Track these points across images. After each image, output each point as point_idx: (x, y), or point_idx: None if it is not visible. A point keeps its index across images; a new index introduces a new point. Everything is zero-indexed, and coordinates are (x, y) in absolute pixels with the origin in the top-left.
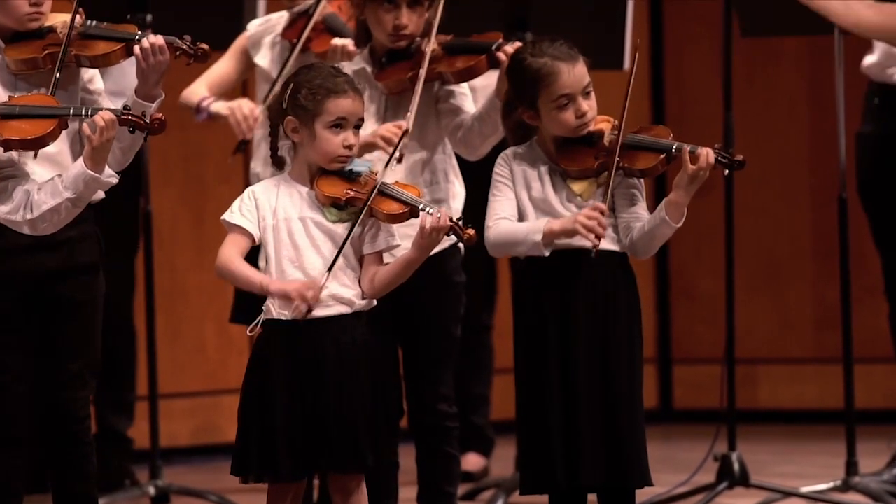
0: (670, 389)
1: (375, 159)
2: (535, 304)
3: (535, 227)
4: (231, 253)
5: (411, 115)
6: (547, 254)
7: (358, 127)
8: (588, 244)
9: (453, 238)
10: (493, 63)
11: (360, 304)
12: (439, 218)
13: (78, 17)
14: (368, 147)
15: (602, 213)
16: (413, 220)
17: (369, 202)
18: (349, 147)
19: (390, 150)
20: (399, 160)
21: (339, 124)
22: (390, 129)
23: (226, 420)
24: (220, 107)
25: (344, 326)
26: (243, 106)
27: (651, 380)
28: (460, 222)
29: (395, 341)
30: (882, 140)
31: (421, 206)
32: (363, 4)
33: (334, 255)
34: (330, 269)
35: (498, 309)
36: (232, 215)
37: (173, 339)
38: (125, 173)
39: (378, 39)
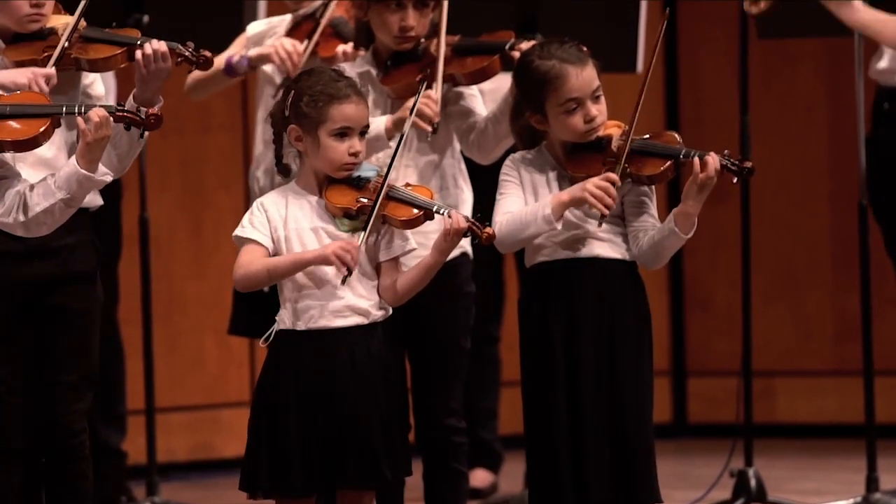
0: (685, 403)
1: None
2: (540, 314)
3: (541, 203)
4: (250, 259)
5: (438, 85)
6: (559, 227)
7: (363, 133)
8: (595, 214)
9: (466, 243)
10: (507, 63)
11: (377, 314)
12: (457, 219)
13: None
14: (398, 125)
15: (613, 182)
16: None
17: (378, 206)
18: (355, 154)
19: (428, 127)
20: (436, 131)
21: (343, 132)
22: (423, 100)
23: (225, 435)
24: (258, 49)
25: (359, 338)
26: (285, 43)
27: (665, 393)
28: (477, 221)
29: (403, 353)
30: (892, 145)
31: (436, 209)
32: (367, 6)
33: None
34: (364, 234)
35: (506, 320)
36: (244, 230)
37: (171, 351)
38: None
39: (382, 41)
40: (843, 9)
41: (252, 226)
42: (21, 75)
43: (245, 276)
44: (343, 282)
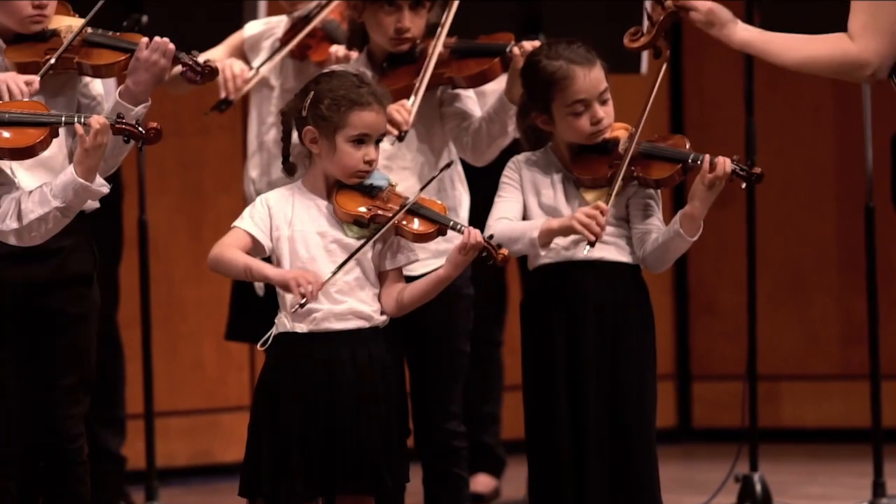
0: (690, 407)
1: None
2: (542, 318)
3: (533, 224)
4: (227, 243)
5: (416, 100)
6: (542, 253)
7: (379, 141)
8: (585, 243)
9: None
10: (508, 66)
11: (379, 320)
12: (474, 235)
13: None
14: None
15: (602, 212)
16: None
17: (394, 221)
18: (370, 162)
19: (394, 130)
20: (402, 138)
21: (361, 139)
22: (395, 106)
23: (225, 439)
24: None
25: (360, 341)
26: (234, 65)
27: (670, 397)
28: (492, 241)
29: (402, 357)
30: None
31: (451, 225)
32: (362, 6)
33: (351, 267)
34: (336, 271)
35: (508, 324)
36: (242, 221)
37: (170, 355)
38: (106, 179)
39: (377, 43)
40: (725, 31)
41: (252, 220)
42: (1, 77)
43: (212, 259)
44: (295, 310)
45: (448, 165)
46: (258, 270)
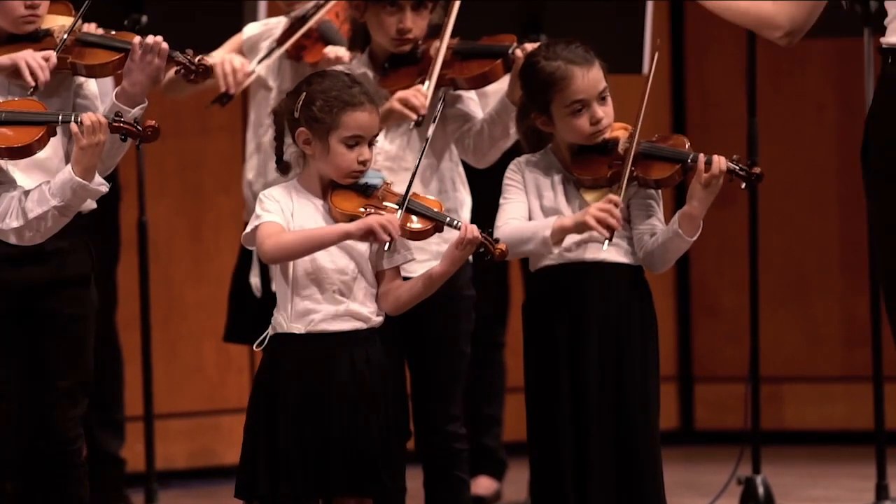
0: (692, 409)
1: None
2: (545, 320)
3: (544, 223)
4: (276, 231)
5: (430, 84)
6: (555, 251)
7: (372, 143)
8: (600, 238)
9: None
10: (510, 68)
11: (376, 321)
12: (471, 230)
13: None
14: (387, 116)
15: (616, 205)
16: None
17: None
18: (364, 163)
19: (412, 115)
20: (419, 123)
21: (354, 140)
22: (411, 91)
23: (225, 441)
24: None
25: (358, 342)
26: (234, 59)
27: (672, 399)
28: (490, 236)
29: (403, 358)
30: None
31: (447, 221)
32: (364, 7)
33: (351, 268)
34: (403, 206)
35: (511, 326)
36: (260, 217)
37: (170, 357)
38: (104, 179)
39: (379, 43)
40: None
41: (268, 212)
42: (18, 55)
43: (277, 245)
44: (389, 247)
45: (416, 169)
46: (337, 233)
